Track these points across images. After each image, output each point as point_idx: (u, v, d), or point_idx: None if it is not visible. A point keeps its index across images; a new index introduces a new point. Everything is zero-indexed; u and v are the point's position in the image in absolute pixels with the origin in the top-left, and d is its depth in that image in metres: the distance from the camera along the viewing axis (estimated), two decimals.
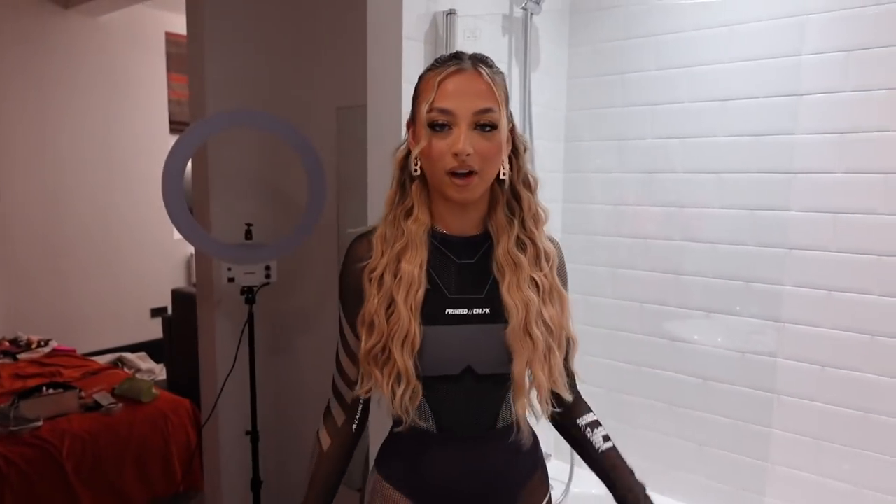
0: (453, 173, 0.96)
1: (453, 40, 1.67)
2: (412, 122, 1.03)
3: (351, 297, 1.06)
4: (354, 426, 1.13)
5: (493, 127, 0.97)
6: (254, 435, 2.27)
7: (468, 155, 0.95)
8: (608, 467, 1.15)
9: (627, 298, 2.21)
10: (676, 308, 2.11)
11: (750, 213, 1.94)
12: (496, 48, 1.95)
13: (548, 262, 1.05)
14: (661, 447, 2.18)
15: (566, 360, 1.08)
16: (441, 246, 1.05)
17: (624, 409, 2.24)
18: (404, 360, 0.97)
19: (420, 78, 1.03)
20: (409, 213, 1.03)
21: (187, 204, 2.04)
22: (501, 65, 1.99)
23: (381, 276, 1.00)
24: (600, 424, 1.19)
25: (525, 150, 1.08)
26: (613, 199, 2.23)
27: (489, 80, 0.98)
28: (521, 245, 1.04)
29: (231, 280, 2.13)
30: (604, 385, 2.25)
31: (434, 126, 0.97)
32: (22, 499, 2.40)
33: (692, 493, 2.13)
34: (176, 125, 4.63)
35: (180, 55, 4.59)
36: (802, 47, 1.83)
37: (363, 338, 1.01)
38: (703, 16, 1.99)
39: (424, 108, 0.97)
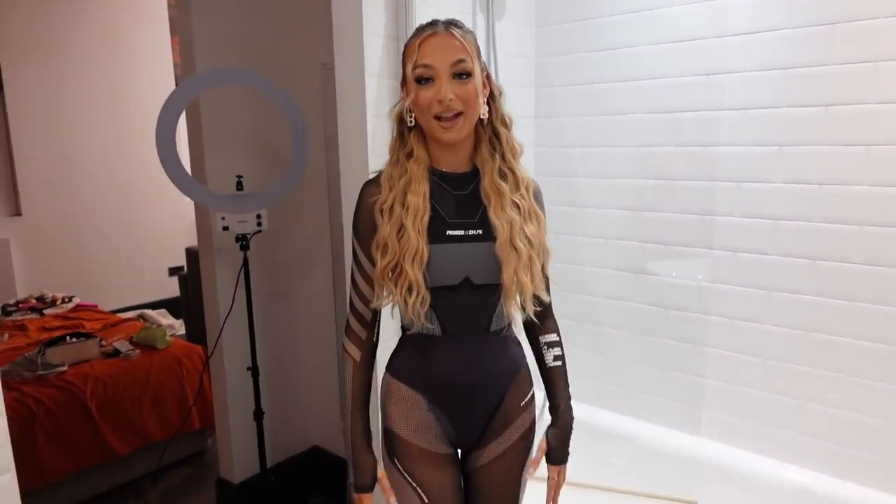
0: (440, 117, 1.16)
1: None
2: (403, 81, 1.22)
3: (365, 229, 1.26)
4: (374, 338, 1.35)
5: (469, 74, 1.17)
6: (254, 370, 2.47)
7: (451, 99, 1.15)
8: (549, 382, 1.39)
9: (596, 236, 2.34)
10: (640, 243, 2.24)
11: (702, 149, 2.05)
12: (461, 1, 2.05)
13: (527, 189, 1.27)
14: (628, 373, 2.34)
15: (543, 268, 1.29)
16: (440, 181, 1.25)
17: (596, 339, 2.40)
18: (415, 273, 1.18)
19: (405, 45, 1.23)
20: (409, 155, 1.24)
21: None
22: (465, 15, 2.10)
23: (392, 207, 1.22)
24: (557, 345, 1.39)
25: (501, 94, 1.28)
26: (582, 142, 2.34)
27: (460, 38, 1.17)
28: (502, 175, 1.25)
29: (225, 228, 2.30)
30: (576, 318, 2.40)
31: (420, 80, 1.17)
32: (52, 433, 2.65)
33: (656, 414, 2.29)
34: None
35: None
36: None
37: (378, 258, 1.22)
38: None
39: (410, 67, 1.18)
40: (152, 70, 4.66)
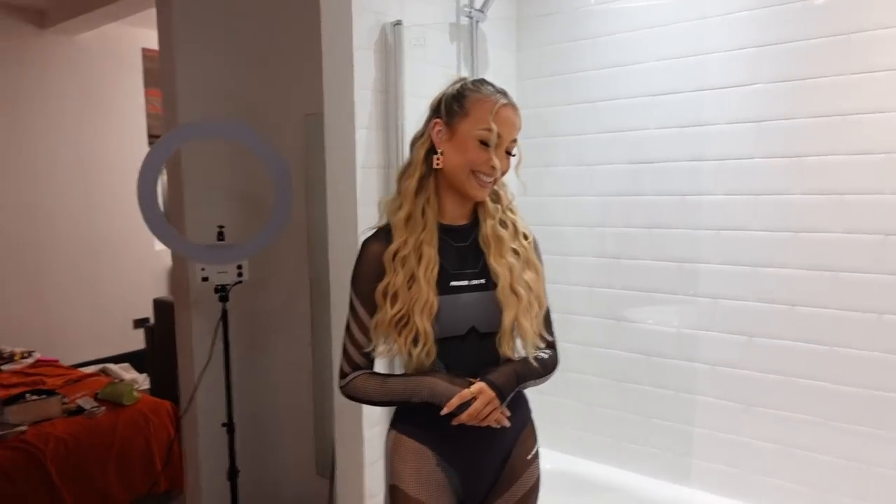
0: (478, 175, 1.22)
1: (401, 49, 1.83)
2: (448, 124, 1.24)
3: (366, 280, 1.26)
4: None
5: (514, 153, 1.26)
6: (230, 426, 2.38)
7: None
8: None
9: (577, 283, 2.37)
10: (621, 290, 2.27)
11: (680, 198, 2.11)
12: (445, 54, 2.11)
13: (525, 238, 1.32)
14: (613, 422, 2.33)
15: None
16: (442, 234, 1.27)
17: (577, 388, 2.39)
18: (423, 323, 1.19)
19: (475, 95, 1.24)
20: (427, 204, 1.26)
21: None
22: (450, 69, 2.15)
23: (406, 256, 1.22)
24: (541, 358, 1.30)
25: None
26: (564, 192, 2.39)
27: (520, 118, 1.25)
28: (503, 224, 1.30)
29: (205, 279, 2.26)
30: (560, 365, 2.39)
31: (484, 142, 1.21)
32: (7, 498, 2.49)
33: (642, 464, 2.27)
34: (154, 139, 4.71)
35: (157, 70, 4.70)
36: (721, 45, 2.01)
37: (387, 307, 1.21)
38: (634, 19, 2.17)
39: (477, 125, 1.21)
40: (123, 121, 4.62)
